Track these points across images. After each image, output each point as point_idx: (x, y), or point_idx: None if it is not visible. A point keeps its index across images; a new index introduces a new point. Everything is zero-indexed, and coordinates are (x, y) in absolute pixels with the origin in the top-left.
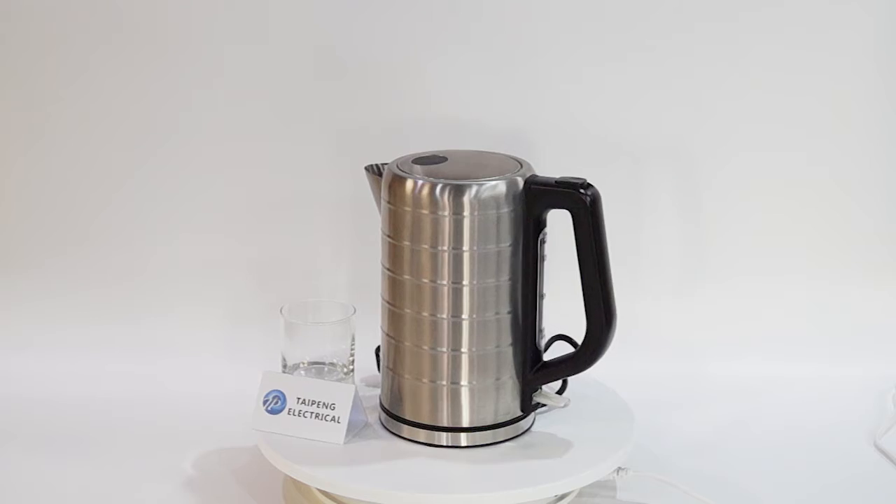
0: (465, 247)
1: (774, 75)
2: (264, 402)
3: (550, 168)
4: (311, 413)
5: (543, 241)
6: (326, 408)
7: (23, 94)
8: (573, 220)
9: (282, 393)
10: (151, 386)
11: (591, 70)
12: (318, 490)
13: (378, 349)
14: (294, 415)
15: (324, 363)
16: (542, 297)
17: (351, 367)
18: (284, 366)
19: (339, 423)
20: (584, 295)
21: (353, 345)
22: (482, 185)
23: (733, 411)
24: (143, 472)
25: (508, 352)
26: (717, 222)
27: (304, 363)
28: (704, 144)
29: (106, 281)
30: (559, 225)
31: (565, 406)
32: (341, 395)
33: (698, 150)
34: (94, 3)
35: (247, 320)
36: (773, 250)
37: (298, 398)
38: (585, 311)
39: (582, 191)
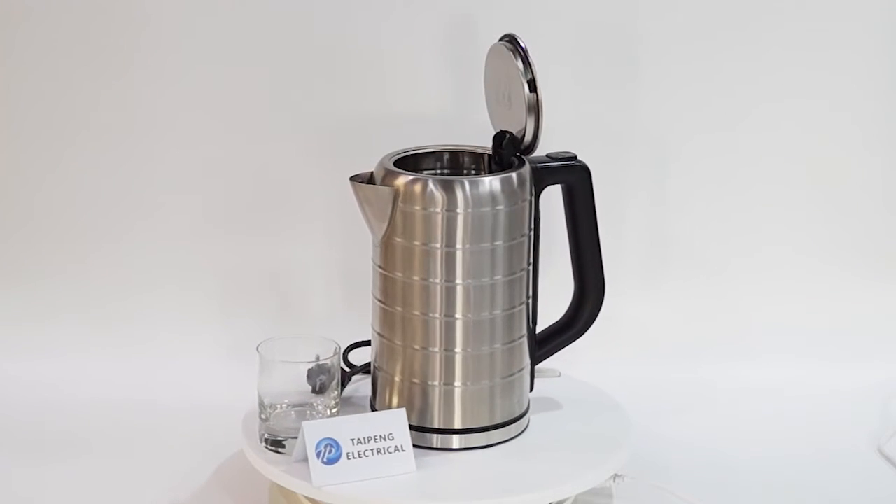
0: (459, 244)
1: (775, 71)
2: (318, 455)
3: None
4: (372, 450)
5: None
6: (385, 440)
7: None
8: (570, 192)
9: (333, 440)
10: (136, 391)
11: (584, 69)
12: (305, 497)
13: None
14: (354, 457)
15: (304, 404)
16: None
17: (335, 408)
18: (261, 406)
19: (403, 450)
20: (580, 264)
21: (338, 383)
22: (476, 180)
23: (733, 416)
24: (127, 477)
25: (504, 352)
26: (716, 223)
27: (282, 405)
28: (701, 141)
29: (96, 284)
30: None
31: (559, 376)
32: (396, 422)
33: (695, 147)
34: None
35: (235, 325)
36: (774, 250)
37: (353, 439)
38: (580, 280)
39: (577, 162)
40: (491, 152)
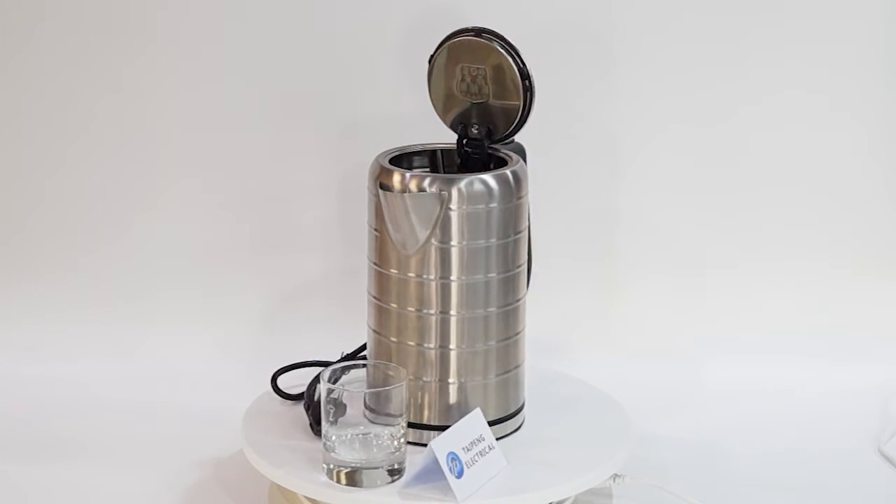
0: (454, 241)
1: (775, 65)
2: (450, 472)
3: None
4: (479, 453)
5: None
6: (480, 441)
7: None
8: None
9: (455, 453)
10: (136, 391)
11: (586, 70)
12: (305, 497)
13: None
14: (472, 465)
15: (370, 434)
16: None
17: (402, 437)
18: (327, 438)
19: (494, 448)
20: None
21: (404, 412)
22: (472, 178)
23: (733, 416)
24: (127, 476)
25: (499, 349)
26: (716, 222)
27: (347, 436)
28: (699, 139)
29: (96, 285)
30: None
31: None
32: (479, 423)
33: (693, 144)
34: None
35: (235, 325)
36: (774, 249)
37: (464, 448)
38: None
39: (517, 143)
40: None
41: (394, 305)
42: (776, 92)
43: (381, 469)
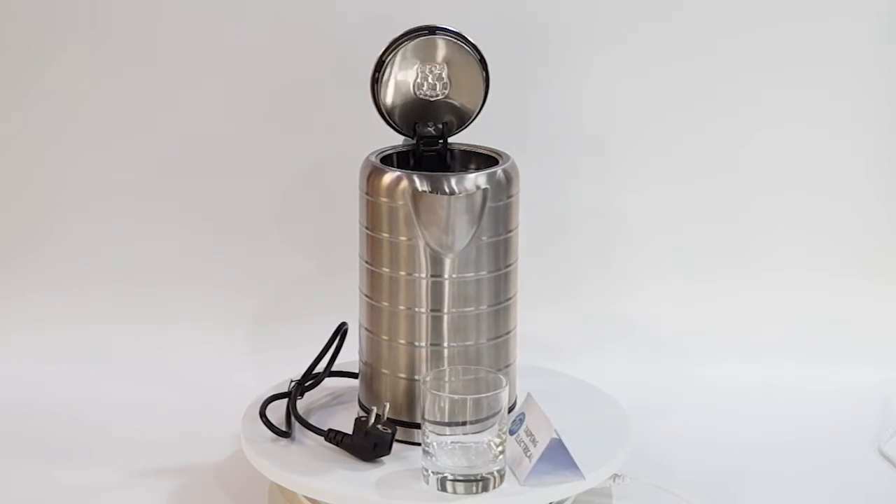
0: None
1: (778, 67)
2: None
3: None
4: (559, 434)
5: None
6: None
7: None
8: None
9: (555, 438)
10: (135, 390)
11: (598, 66)
12: (305, 497)
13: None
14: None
15: (470, 443)
16: None
17: (501, 445)
18: (428, 445)
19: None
20: None
21: (504, 421)
22: (461, 177)
23: (733, 417)
24: (127, 476)
25: (489, 347)
26: (716, 222)
27: (447, 444)
28: (699, 138)
29: (96, 285)
30: None
31: None
32: (536, 401)
33: (693, 145)
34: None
35: (234, 324)
36: (773, 251)
37: (557, 430)
38: None
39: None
40: (434, 147)
41: (385, 303)
42: (775, 91)
43: (492, 472)
